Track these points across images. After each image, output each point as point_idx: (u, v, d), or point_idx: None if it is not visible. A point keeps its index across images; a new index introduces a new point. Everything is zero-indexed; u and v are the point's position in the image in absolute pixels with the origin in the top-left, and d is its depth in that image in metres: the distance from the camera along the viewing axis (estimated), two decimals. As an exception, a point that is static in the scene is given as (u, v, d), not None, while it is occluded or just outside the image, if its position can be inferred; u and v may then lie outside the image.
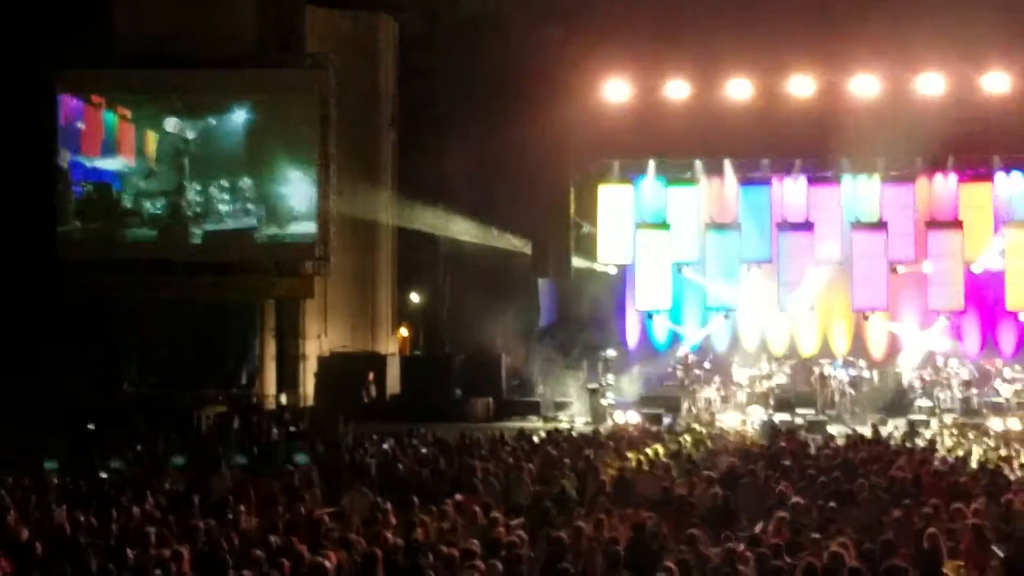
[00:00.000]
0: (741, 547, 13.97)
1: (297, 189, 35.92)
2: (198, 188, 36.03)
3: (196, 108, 36.11)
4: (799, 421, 31.23)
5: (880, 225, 36.34)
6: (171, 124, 36.07)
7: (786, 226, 36.87)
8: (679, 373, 35.56)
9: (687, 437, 26.01)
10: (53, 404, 32.08)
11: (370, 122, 38.65)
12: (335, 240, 36.39)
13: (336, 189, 36.42)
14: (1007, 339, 36.24)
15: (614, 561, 13.56)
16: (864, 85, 35.49)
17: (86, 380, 34.39)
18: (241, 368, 37.07)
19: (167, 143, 36.04)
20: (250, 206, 35.94)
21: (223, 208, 36.01)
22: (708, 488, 18.46)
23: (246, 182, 35.96)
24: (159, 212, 36.12)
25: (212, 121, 36.11)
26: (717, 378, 34.82)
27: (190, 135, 36.03)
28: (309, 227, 35.80)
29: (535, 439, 26.12)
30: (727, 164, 37.46)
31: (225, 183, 35.98)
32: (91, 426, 30.19)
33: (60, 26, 35.00)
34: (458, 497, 17.73)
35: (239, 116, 36.09)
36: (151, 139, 36.17)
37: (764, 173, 37.55)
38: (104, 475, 20.65)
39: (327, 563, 12.56)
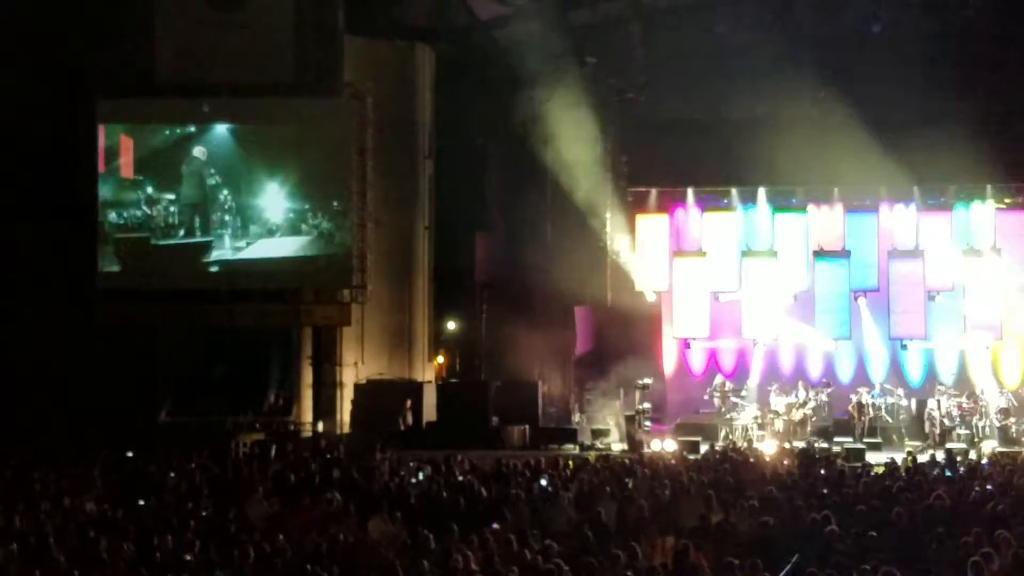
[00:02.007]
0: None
1: (333, 217, 36.00)
2: (227, 213, 36.17)
3: (231, 135, 36.34)
4: (836, 449, 31.20)
5: (917, 253, 36.28)
6: (198, 151, 36.22)
7: (823, 254, 36.82)
8: (716, 401, 35.47)
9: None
10: (90, 433, 32.22)
11: (407, 150, 38.75)
12: (372, 268, 36.51)
13: (373, 217, 36.54)
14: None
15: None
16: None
17: (123, 408, 34.49)
18: (278, 395, 37.13)
19: (193, 167, 36.20)
20: (281, 232, 36.06)
21: (252, 232, 36.17)
22: (747, 516, 18.40)
23: (277, 209, 36.07)
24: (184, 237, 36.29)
25: (246, 149, 36.27)
26: (754, 405, 34.72)
27: (219, 160, 36.21)
28: (344, 254, 35.88)
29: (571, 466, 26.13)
30: (761, 192, 37.44)
31: (257, 209, 36.10)
32: (129, 454, 30.27)
33: (99, 54, 35.24)
34: (495, 525, 17.73)
35: (274, 145, 36.24)
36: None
37: (801, 201, 37.53)
38: (142, 503, 20.70)
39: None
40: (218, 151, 36.20)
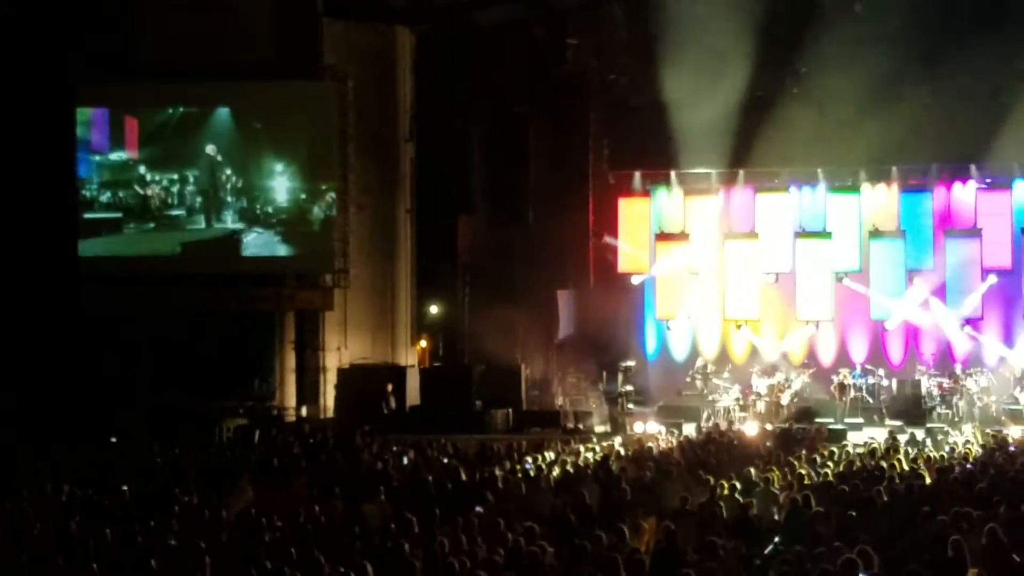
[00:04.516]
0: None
1: (314, 201, 36.00)
2: (228, 194, 36.23)
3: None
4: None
5: (898, 233, 36.39)
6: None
7: (804, 235, 36.88)
8: (698, 383, 35.53)
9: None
10: (73, 418, 32.19)
11: (388, 134, 38.61)
12: (354, 252, 36.49)
13: (355, 201, 36.52)
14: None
15: (638, 571, 13.60)
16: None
17: (106, 393, 34.44)
18: (261, 380, 37.05)
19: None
20: (264, 219, 36.11)
21: (238, 218, 36.23)
22: (728, 497, 18.48)
23: (260, 194, 36.10)
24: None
25: (228, 135, 36.22)
26: (736, 387, 34.79)
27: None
28: (326, 239, 35.91)
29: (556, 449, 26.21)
30: (741, 174, 37.45)
31: (241, 197, 36.11)
32: (112, 440, 30.26)
33: (80, 36, 35.13)
34: (478, 508, 17.77)
35: (255, 128, 36.23)
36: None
37: (782, 182, 37.58)
38: (125, 488, 20.67)
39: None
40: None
